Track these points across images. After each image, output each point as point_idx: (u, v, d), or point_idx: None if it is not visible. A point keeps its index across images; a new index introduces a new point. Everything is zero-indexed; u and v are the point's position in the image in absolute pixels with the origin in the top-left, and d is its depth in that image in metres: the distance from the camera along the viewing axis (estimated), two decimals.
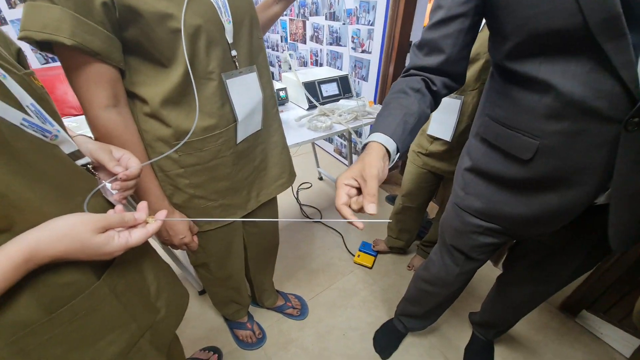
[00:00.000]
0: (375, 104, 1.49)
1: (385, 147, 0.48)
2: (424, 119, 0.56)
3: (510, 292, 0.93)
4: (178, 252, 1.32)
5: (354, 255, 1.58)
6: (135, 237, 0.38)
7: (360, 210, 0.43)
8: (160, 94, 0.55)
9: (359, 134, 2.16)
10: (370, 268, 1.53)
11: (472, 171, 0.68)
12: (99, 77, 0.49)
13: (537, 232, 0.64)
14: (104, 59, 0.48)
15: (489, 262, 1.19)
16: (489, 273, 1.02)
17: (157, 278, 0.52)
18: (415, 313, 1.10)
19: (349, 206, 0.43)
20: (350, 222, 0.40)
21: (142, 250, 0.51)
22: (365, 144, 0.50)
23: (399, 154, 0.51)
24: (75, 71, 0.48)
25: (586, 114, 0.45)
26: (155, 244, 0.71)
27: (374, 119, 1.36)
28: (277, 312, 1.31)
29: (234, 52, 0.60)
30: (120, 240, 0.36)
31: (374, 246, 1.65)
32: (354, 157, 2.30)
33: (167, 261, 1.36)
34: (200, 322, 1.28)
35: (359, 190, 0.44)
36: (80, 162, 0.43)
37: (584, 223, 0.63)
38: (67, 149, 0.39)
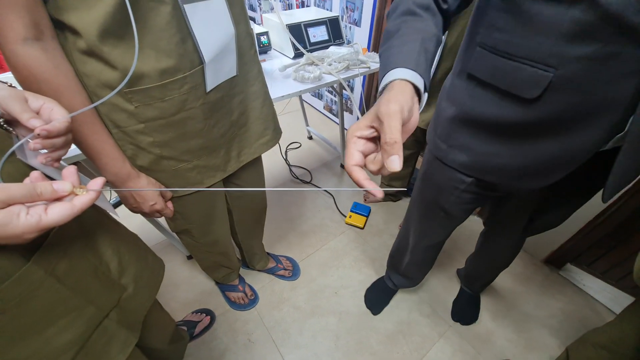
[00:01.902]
0: (369, 51, 1.33)
1: (411, 83, 0.35)
2: (439, 45, 0.44)
3: (492, 246, 0.93)
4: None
5: (345, 216, 1.56)
6: (52, 214, 0.28)
7: (379, 172, 0.31)
8: (96, 23, 0.41)
9: (351, 87, 2.00)
10: (362, 228, 1.51)
11: (456, 120, 0.58)
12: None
13: (533, 186, 0.58)
14: None
15: (479, 219, 1.19)
16: (477, 229, 1.03)
17: (119, 253, 0.45)
18: (398, 264, 1.09)
19: (365, 167, 0.32)
20: (367, 191, 0.29)
21: (94, 222, 0.43)
22: (383, 88, 0.36)
23: (426, 93, 0.38)
24: None
25: (622, 34, 0.35)
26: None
27: (367, 69, 1.22)
28: (268, 274, 1.30)
29: None
30: (30, 219, 0.27)
31: (365, 199, 1.63)
32: (346, 114, 2.17)
33: (148, 227, 1.30)
34: (191, 285, 1.26)
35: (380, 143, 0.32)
36: None
37: (578, 171, 0.55)
38: None
